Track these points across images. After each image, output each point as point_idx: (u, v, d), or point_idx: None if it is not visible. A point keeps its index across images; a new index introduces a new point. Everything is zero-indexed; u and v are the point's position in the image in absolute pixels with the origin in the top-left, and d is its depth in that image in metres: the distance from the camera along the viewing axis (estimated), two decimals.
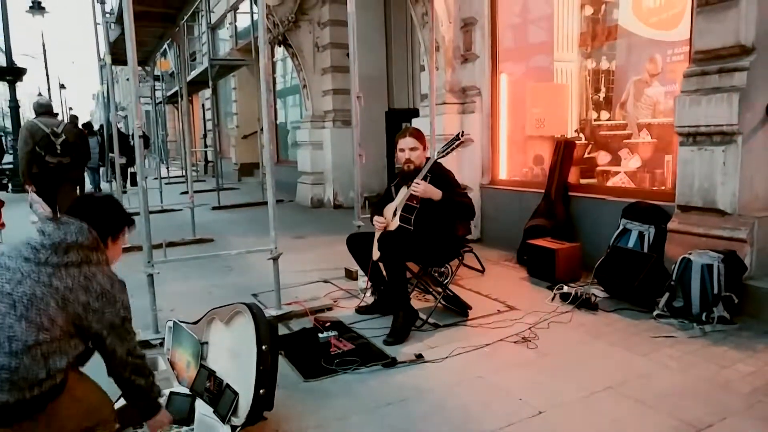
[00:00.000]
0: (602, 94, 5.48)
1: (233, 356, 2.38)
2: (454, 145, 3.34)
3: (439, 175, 3.45)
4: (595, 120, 5.47)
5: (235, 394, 2.25)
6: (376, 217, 3.65)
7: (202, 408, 2.37)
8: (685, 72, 3.71)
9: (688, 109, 3.61)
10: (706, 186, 3.58)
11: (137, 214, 3.29)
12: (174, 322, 2.87)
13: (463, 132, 3.28)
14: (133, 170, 18.64)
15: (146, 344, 3.36)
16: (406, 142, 3.61)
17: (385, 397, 2.65)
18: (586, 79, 5.61)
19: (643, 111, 5.05)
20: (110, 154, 8.89)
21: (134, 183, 16.84)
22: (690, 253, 3.40)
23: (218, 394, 2.33)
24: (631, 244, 4.05)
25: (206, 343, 2.59)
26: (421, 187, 3.28)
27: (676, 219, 3.82)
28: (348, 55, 8.37)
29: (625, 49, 5.30)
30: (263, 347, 2.16)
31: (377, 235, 3.65)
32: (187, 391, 2.49)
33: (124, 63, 10.39)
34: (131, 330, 2.00)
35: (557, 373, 2.84)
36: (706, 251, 3.35)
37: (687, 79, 3.67)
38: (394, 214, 3.52)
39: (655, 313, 3.49)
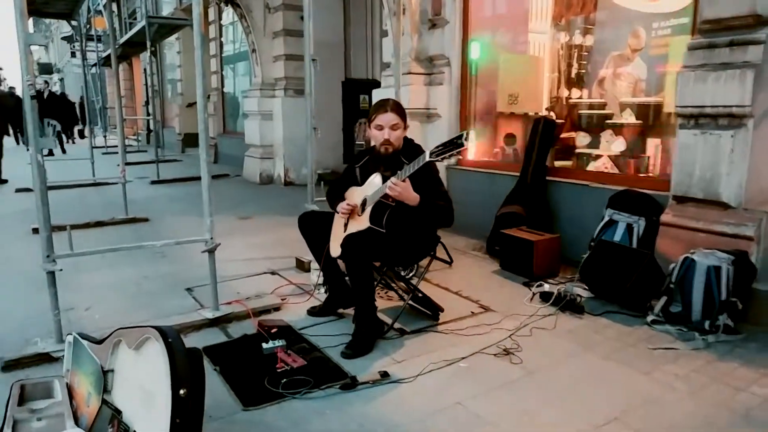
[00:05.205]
0: (577, 70, 5.03)
1: (144, 395, 1.79)
2: (453, 151, 2.47)
3: (422, 168, 2.66)
4: (566, 97, 5.02)
5: None
6: (342, 204, 2.99)
7: None
8: (690, 44, 3.26)
9: (692, 87, 3.17)
10: (709, 175, 3.17)
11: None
12: (74, 336, 2.25)
13: (468, 134, 2.47)
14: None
15: (46, 357, 2.71)
16: (386, 118, 2.89)
17: None
18: (559, 53, 5.15)
19: (623, 89, 4.63)
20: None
21: None
22: (693, 252, 2.99)
23: None
24: (617, 237, 3.64)
25: (111, 371, 1.98)
26: (399, 188, 2.63)
27: (670, 211, 3.41)
28: (302, 18, 7.66)
29: (605, 21, 4.84)
30: (180, 392, 1.57)
31: (337, 219, 3.08)
32: None
33: (39, 14, 9.30)
34: None
35: (549, 398, 2.38)
36: (713, 251, 2.94)
37: (692, 53, 3.22)
38: (363, 208, 2.92)
39: (649, 318, 3.09)
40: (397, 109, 2.94)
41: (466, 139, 2.37)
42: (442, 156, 2.43)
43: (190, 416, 1.59)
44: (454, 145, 2.39)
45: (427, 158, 2.51)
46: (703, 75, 3.12)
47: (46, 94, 14.62)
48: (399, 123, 2.91)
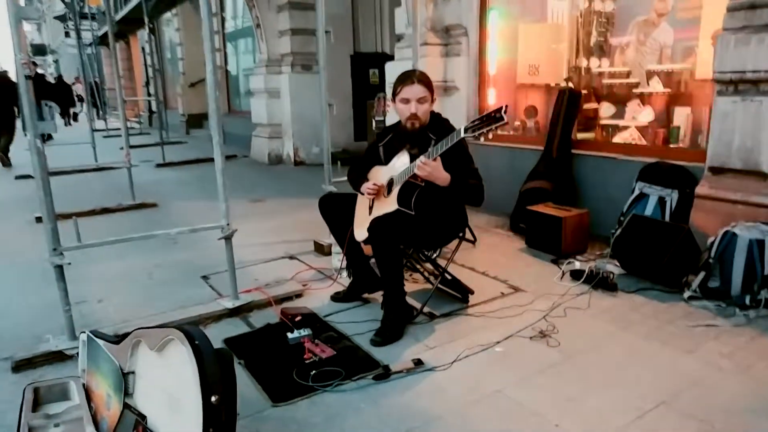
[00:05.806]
0: (597, 38, 4.80)
1: (169, 400, 1.67)
2: (492, 126, 2.24)
3: (453, 145, 2.47)
4: (586, 67, 4.80)
5: None
6: (368, 185, 2.83)
7: None
8: (729, 5, 3.06)
9: (732, 51, 2.98)
10: (749, 144, 3.01)
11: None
12: (88, 334, 2.13)
13: (506, 107, 2.22)
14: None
15: (59, 355, 2.59)
16: (413, 91, 2.68)
17: (381, 427, 2.02)
18: (579, 20, 4.92)
19: (648, 56, 4.43)
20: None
21: None
22: (733, 226, 2.85)
23: None
24: (649, 211, 3.49)
25: (132, 373, 1.87)
26: (428, 168, 2.46)
27: (706, 183, 3.26)
28: None
29: None
30: (212, 399, 1.46)
31: (360, 201, 2.94)
32: None
33: None
34: None
35: (592, 383, 2.27)
36: (756, 224, 2.80)
37: (731, 14, 3.03)
38: (389, 188, 2.78)
39: (686, 294, 2.96)
40: (424, 80, 2.73)
41: (505, 113, 2.19)
42: (480, 132, 2.26)
43: (223, 424, 1.48)
44: (493, 119, 2.21)
45: (462, 135, 2.34)
46: (745, 38, 2.93)
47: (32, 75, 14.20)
48: (426, 96, 2.71)
